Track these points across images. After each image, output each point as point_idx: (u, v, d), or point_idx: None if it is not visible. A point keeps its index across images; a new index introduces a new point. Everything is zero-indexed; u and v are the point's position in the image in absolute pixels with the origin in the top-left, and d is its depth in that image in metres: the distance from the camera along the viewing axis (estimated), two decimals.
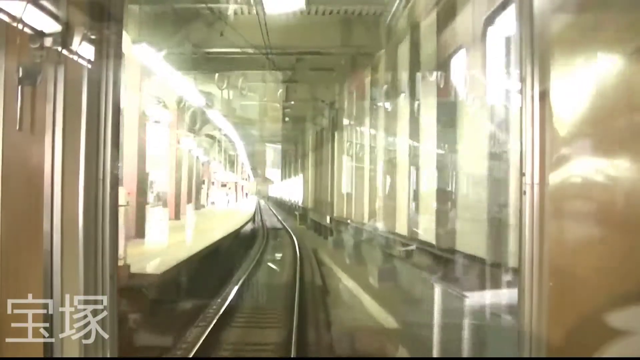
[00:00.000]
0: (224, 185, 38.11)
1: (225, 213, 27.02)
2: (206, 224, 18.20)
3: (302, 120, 27.00)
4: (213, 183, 33.30)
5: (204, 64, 15.02)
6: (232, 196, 41.15)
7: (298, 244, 19.62)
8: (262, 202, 56.67)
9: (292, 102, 20.52)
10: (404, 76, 11.68)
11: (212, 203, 31.31)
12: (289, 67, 16.15)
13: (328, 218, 20.07)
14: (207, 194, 30.11)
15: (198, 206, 23.72)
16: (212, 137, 28.02)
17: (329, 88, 19.78)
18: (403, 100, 11.65)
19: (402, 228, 11.24)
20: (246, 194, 57.00)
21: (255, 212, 36.29)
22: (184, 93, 16.45)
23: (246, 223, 22.87)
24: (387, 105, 12.65)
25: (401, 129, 11.73)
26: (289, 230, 26.24)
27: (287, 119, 24.27)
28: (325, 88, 19.90)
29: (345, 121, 18.31)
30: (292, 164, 40.02)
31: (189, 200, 20.71)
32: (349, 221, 16.54)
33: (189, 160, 20.76)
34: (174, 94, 16.85)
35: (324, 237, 21.34)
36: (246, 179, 54.93)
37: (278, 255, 17.86)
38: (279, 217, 36.58)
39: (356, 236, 14.80)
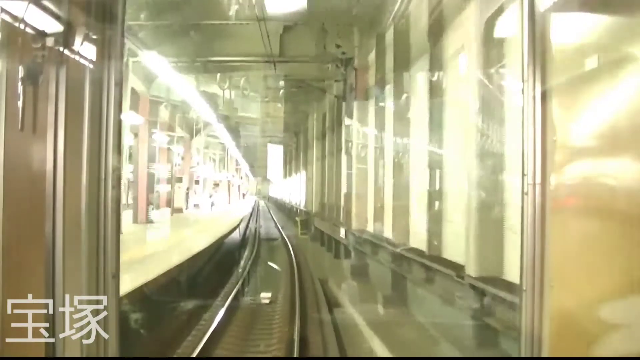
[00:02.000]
0: (216, 185, 32.73)
1: (207, 220, 21.78)
2: (164, 238, 13.54)
3: (303, 95, 18.89)
4: (197, 182, 27.74)
5: None
6: (225, 197, 35.44)
7: (298, 271, 13.31)
8: (262, 203, 55.19)
9: (289, 60, 13.03)
10: None
11: (196, 206, 26.22)
12: None
13: (343, 231, 13.71)
14: (188, 194, 24.97)
15: (172, 210, 19.51)
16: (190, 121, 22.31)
17: (344, 34, 12.23)
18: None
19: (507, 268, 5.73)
20: (243, 194, 52.54)
21: (250, 216, 31.35)
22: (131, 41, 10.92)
23: (227, 234, 16.83)
24: (455, 53, 7.06)
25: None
26: (288, 242, 20.13)
27: (282, 85, 16.05)
28: (340, 34, 12.25)
29: (375, 86, 11.43)
30: (294, 159, 33.41)
31: (149, 204, 16.53)
32: (380, 241, 10.19)
33: (149, 150, 15.96)
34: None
35: (335, 255, 15.13)
36: (242, 178, 50.38)
37: (265, 298, 10.44)
38: (278, 223, 30.13)
39: (396, 266, 8.92)
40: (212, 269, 12.87)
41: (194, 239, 13.43)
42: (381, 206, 10.64)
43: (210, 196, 30.09)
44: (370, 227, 11.26)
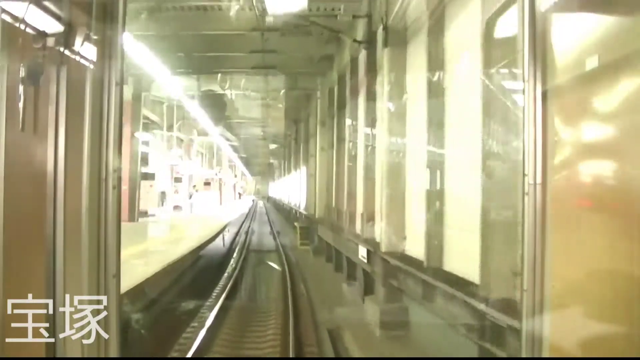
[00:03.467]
0: (207, 184, 29.43)
1: (180, 226, 17.68)
2: None
3: (305, 63, 14.45)
4: (179, 179, 23.98)
5: None
6: (216, 197, 31.39)
7: (294, 313, 8.94)
8: (261, 204, 53.51)
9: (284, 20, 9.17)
10: None
11: (176, 207, 22.61)
12: None
13: (363, 250, 9.09)
14: (165, 194, 21.80)
15: (133, 216, 15.55)
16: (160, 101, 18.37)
17: None
18: None
19: None
20: (239, 194, 50.30)
21: (244, 220, 28.80)
22: None
23: (202, 247, 12.13)
24: None
25: None
26: (285, 257, 16.13)
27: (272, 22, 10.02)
28: None
29: (425, 18, 6.99)
30: (293, 152, 28.88)
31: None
32: (435, 277, 5.85)
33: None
34: None
35: (349, 277, 10.98)
36: (237, 176, 48.00)
37: None
38: (275, 229, 25.91)
39: (495, 345, 4.42)
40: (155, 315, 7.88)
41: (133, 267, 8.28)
42: (437, 216, 6.29)
43: (190, 197, 25.28)
44: (414, 250, 6.67)
